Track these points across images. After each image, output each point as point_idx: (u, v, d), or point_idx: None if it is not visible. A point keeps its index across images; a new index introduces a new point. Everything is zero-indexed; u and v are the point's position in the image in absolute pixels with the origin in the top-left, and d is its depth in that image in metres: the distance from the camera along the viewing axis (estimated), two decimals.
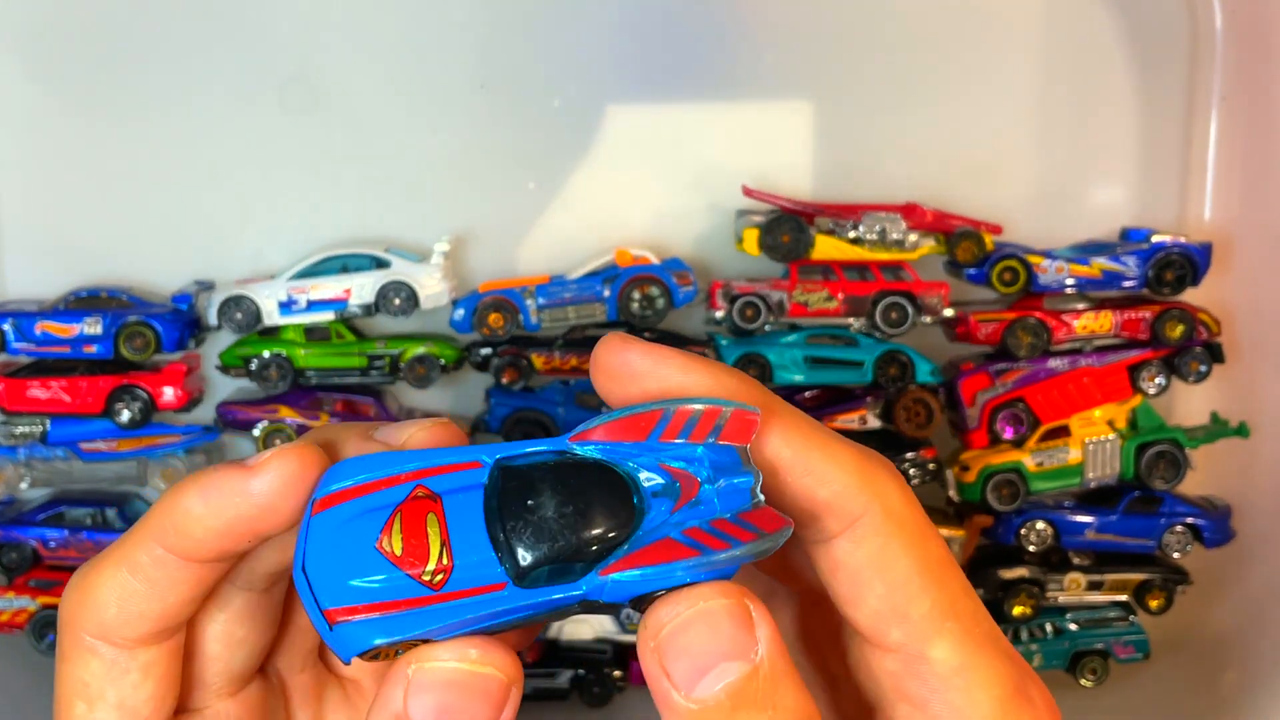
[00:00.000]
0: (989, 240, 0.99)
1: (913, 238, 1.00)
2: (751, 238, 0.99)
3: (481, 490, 0.32)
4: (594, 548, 0.31)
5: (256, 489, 0.33)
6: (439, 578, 0.31)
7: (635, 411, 0.32)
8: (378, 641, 0.30)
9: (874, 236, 0.99)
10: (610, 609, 0.32)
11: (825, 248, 0.99)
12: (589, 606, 0.32)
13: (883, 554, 0.33)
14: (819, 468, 0.33)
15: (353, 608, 0.30)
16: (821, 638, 0.37)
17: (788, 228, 0.98)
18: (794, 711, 0.30)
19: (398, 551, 0.31)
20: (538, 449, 0.33)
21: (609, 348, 0.34)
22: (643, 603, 0.31)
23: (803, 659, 0.39)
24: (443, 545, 0.31)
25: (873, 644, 0.33)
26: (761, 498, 0.32)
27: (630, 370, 0.34)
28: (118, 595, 0.34)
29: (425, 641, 0.31)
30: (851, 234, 0.99)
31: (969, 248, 0.99)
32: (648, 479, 0.32)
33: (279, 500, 0.33)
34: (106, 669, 0.34)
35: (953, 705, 0.32)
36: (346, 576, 0.31)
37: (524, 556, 0.31)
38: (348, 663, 0.31)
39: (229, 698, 0.38)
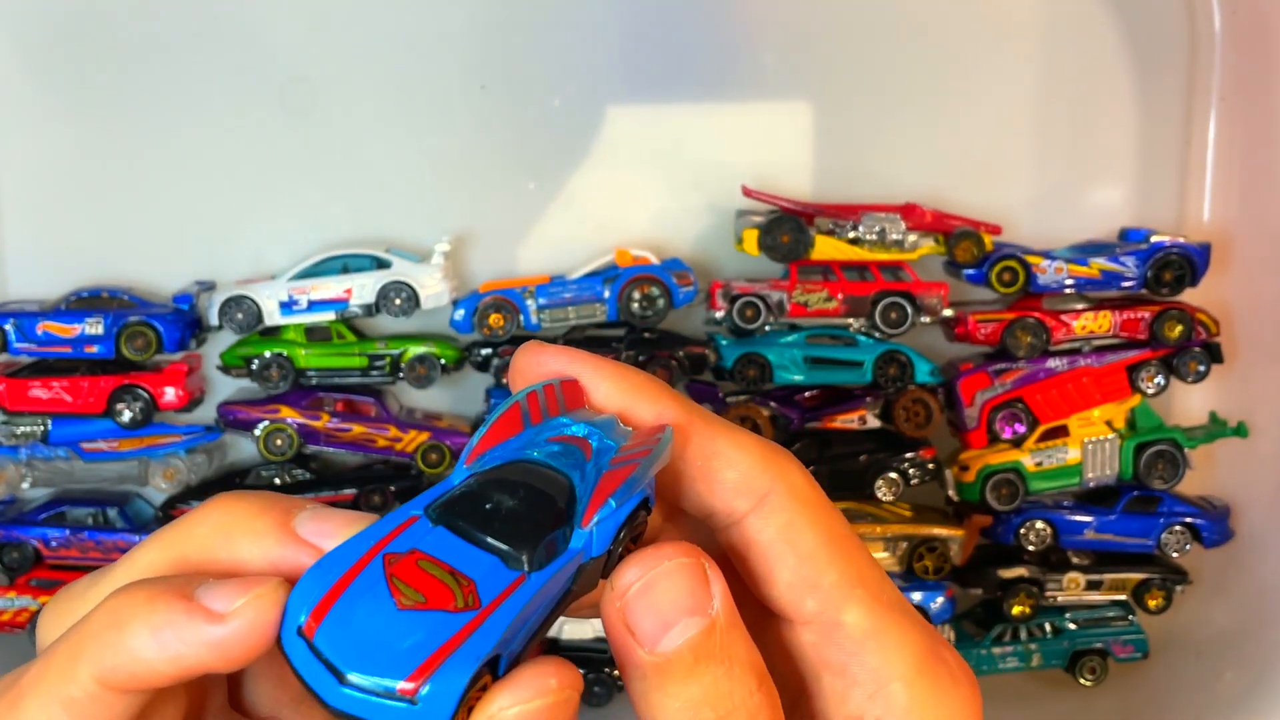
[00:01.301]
0: (988, 240, 0.99)
1: (912, 238, 1.00)
2: (751, 238, 0.99)
3: (440, 528, 0.32)
4: (562, 512, 0.32)
5: (221, 638, 0.30)
6: (471, 598, 0.30)
7: (498, 414, 0.35)
8: (463, 681, 0.29)
9: (873, 237, 0.99)
10: (604, 563, 0.33)
11: (825, 248, 0.99)
12: (585, 570, 0.33)
13: (791, 527, 0.34)
14: (725, 451, 0.35)
15: (422, 666, 0.29)
16: None
17: (787, 228, 0.99)
18: (747, 661, 0.32)
19: (422, 600, 0.30)
20: (446, 486, 0.33)
21: (525, 353, 0.36)
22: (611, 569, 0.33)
23: None
24: (453, 575, 0.31)
25: (790, 619, 0.35)
26: (628, 428, 0.35)
27: (543, 370, 0.36)
28: None
29: (491, 678, 0.30)
30: (851, 234, 1.00)
31: (968, 248, 0.99)
32: (551, 454, 0.34)
33: (246, 650, 0.30)
34: None
35: (869, 666, 0.34)
36: (396, 647, 0.29)
37: (520, 543, 0.32)
38: None
39: None
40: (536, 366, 0.36)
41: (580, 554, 0.32)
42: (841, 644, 0.34)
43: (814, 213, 1.00)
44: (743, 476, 0.34)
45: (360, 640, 0.29)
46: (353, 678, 0.29)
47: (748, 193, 0.99)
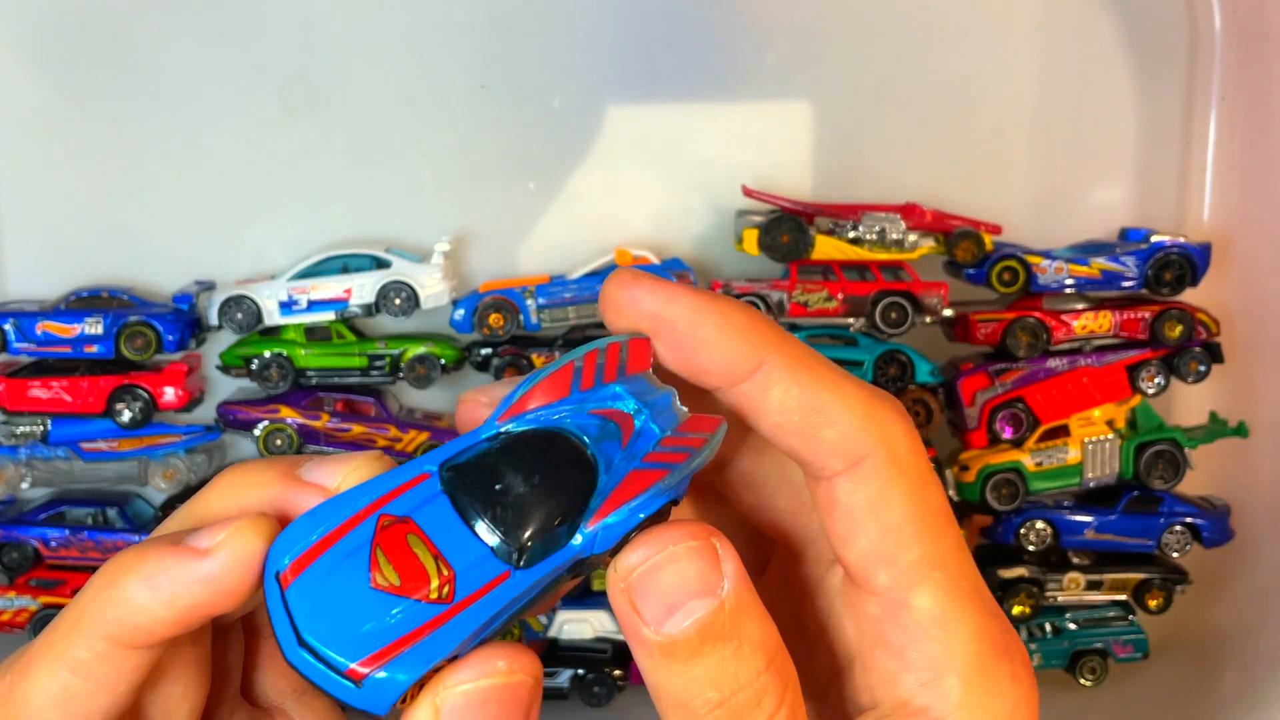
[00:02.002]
0: (988, 240, 0.99)
1: (912, 238, 1.00)
2: (751, 238, 0.99)
3: (444, 496, 0.31)
4: (574, 506, 0.31)
5: (210, 573, 0.31)
6: (446, 590, 0.30)
7: (549, 372, 0.33)
8: (411, 680, 0.29)
9: (873, 237, 0.99)
10: (601, 560, 0.32)
11: (825, 248, 0.99)
12: (580, 565, 0.32)
13: (881, 497, 0.33)
14: (827, 406, 0.33)
15: (375, 654, 0.29)
16: (800, 590, 0.38)
17: (787, 228, 0.99)
18: (757, 641, 0.31)
19: (396, 582, 0.30)
20: (473, 441, 0.32)
21: (619, 283, 0.34)
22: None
23: (779, 610, 0.39)
24: (436, 559, 0.30)
25: (858, 585, 0.34)
26: (684, 408, 0.33)
27: (638, 308, 0.33)
28: (60, 699, 0.31)
29: (445, 664, 0.30)
30: (851, 234, 1.00)
31: (968, 248, 0.99)
32: (588, 431, 0.32)
33: (236, 582, 0.31)
34: None
35: (929, 654, 0.33)
36: (356, 627, 0.29)
37: (515, 539, 0.31)
38: (383, 715, 0.30)
39: None
40: (631, 304, 0.34)
41: (579, 552, 0.31)
42: (905, 626, 0.33)
43: (814, 212, 1.00)
44: (841, 437, 0.33)
45: (325, 608, 0.29)
46: (309, 642, 0.29)
47: (748, 192, 0.99)
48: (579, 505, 0.31)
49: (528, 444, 0.32)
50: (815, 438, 0.33)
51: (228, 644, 0.38)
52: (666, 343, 0.33)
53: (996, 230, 1.00)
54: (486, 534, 0.31)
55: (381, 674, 0.29)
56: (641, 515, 0.31)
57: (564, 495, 0.31)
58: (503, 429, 0.32)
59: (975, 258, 0.99)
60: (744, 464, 0.37)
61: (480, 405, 0.34)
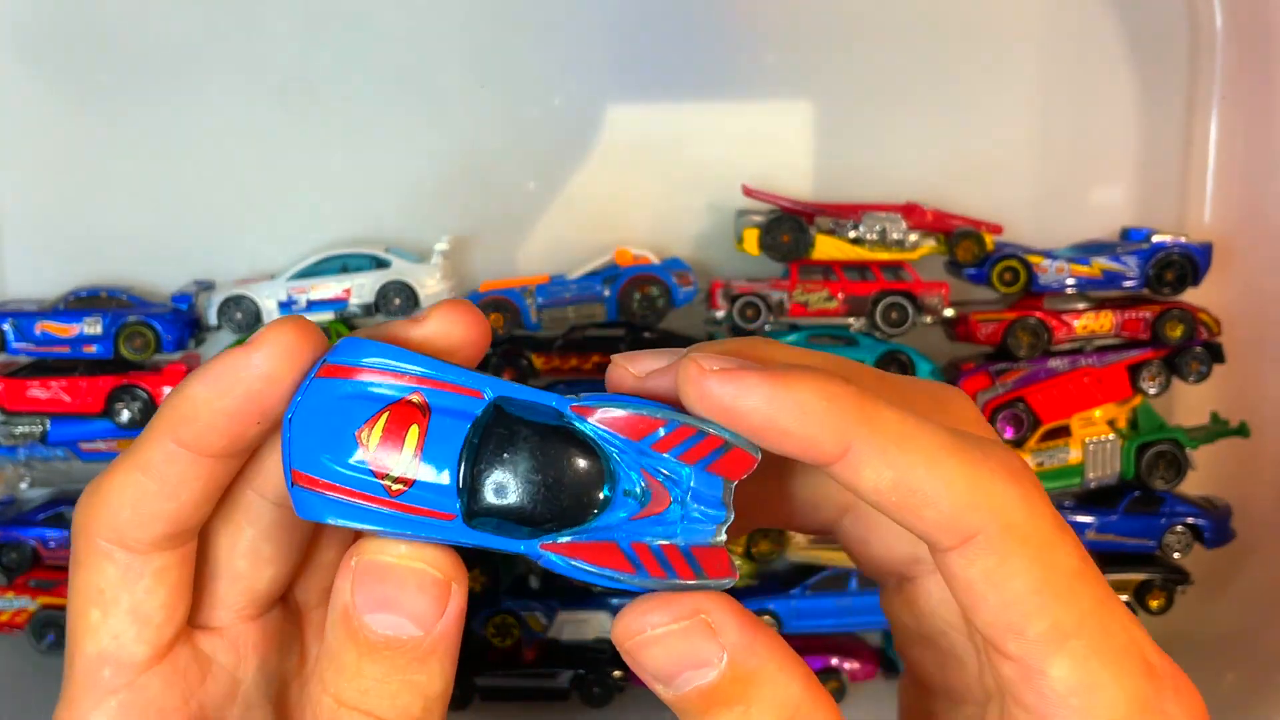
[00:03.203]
0: (989, 240, 0.99)
1: (913, 238, 1.00)
2: (751, 238, 0.99)
3: (470, 422, 0.32)
4: (548, 522, 0.32)
5: (258, 362, 0.33)
6: (397, 487, 0.32)
7: (641, 412, 0.32)
8: (329, 519, 0.32)
9: (874, 236, 0.99)
10: (543, 570, 0.34)
11: (825, 248, 0.99)
12: (526, 560, 0.33)
13: (999, 571, 0.31)
14: (924, 487, 0.31)
15: (315, 480, 0.32)
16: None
17: (788, 228, 0.98)
18: (769, 702, 0.31)
19: (371, 448, 0.32)
20: (538, 402, 0.33)
21: (687, 378, 0.32)
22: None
23: (945, 609, 0.38)
24: (413, 459, 0.32)
25: (992, 646, 0.32)
26: (723, 538, 0.32)
27: (710, 405, 0.32)
28: (131, 497, 0.34)
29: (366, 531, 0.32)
30: (852, 234, 1.00)
31: (969, 248, 0.99)
32: (624, 479, 0.32)
33: (282, 370, 0.33)
34: (121, 574, 0.35)
35: None
36: (320, 450, 0.32)
37: (481, 502, 0.32)
38: (300, 517, 0.33)
39: (250, 620, 0.38)
40: (701, 400, 0.32)
41: (524, 553, 0.32)
42: (1042, 693, 0.31)
43: (814, 212, 1.00)
44: (944, 517, 0.31)
45: (319, 415, 0.32)
46: (293, 427, 0.32)
47: (748, 192, 0.99)
48: (553, 524, 0.32)
49: (568, 445, 0.32)
50: (917, 518, 0.31)
51: (338, 544, 0.40)
52: (743, 433, 0.32)
53: (997, 230, 1.00)
54: (463, 477, 0.32)
55: (310, 495, 0.32)
56: (590, 581, 0.32)
57: (546, 509, 0.32)
58: (569, 414, 0.32)
59: (976, 257, 0.99)
60: None
61: (627, 374, 0.35)
